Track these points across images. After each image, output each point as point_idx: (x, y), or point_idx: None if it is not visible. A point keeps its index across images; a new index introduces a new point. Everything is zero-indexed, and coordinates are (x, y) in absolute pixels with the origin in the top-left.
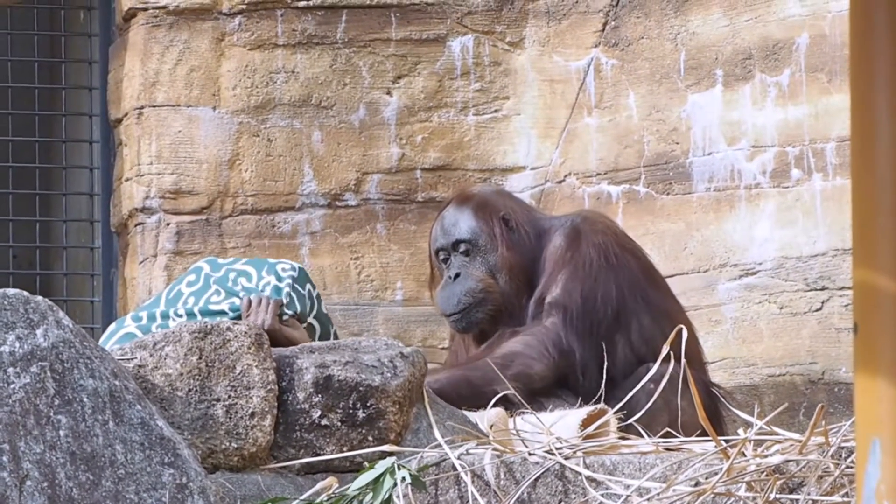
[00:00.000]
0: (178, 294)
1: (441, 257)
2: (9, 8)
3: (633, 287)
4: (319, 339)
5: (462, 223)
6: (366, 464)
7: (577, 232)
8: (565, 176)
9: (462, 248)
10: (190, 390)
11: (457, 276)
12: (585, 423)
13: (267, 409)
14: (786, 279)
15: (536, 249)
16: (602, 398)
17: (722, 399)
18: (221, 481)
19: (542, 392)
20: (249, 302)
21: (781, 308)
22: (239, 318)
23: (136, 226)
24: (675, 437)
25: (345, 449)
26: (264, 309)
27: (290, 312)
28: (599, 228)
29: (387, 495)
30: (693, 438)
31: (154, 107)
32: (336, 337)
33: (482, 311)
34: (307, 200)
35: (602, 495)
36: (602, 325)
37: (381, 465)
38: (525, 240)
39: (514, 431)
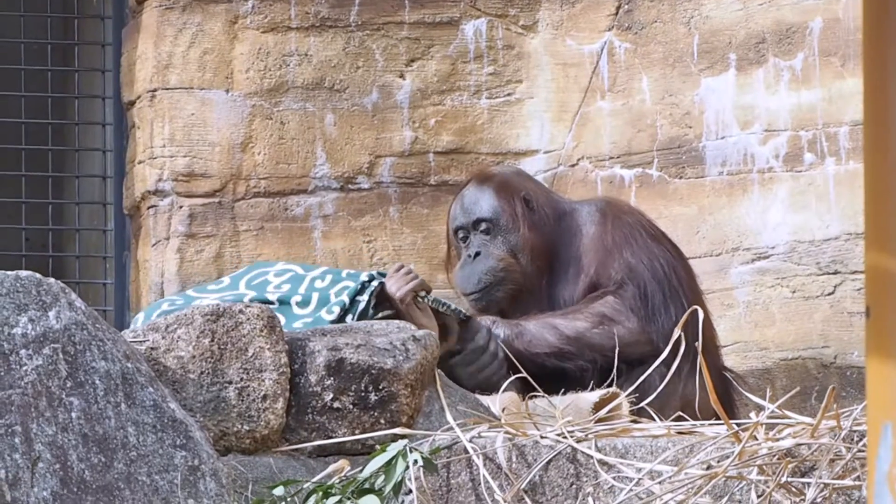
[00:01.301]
0: (264, 283)
1: (460, 236)
2: None
3: (676, 258)
4: None
5: (483, 202)
6: (377, 447)
7: (607, 217)
8: (578, 160)
9: (483, 226)
10: (202, 373)
11: (477, 254)
12: (597, 407)
13: (279, 392)
14: (798, 263)
15: (558, 232)
16: (614, 381)
17: (734, 383)
18: (233, 464)
19: (630, 356)
20: (400, 267)
21: (794, 292)
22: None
23: (148, 208)
24: (687, 420)
25: (357, 432)
26: (407, 280)
27: (431, 297)
28: (627, 211)
29: (399, 479)
30: (705, 422)
31: (167, 89)
32: None
33: (503, 290)
34: (320, 183)
35: (614, 478)
36: (681, 286)
37: (393, 449)
38: (546, 221)
39: (526, 414)
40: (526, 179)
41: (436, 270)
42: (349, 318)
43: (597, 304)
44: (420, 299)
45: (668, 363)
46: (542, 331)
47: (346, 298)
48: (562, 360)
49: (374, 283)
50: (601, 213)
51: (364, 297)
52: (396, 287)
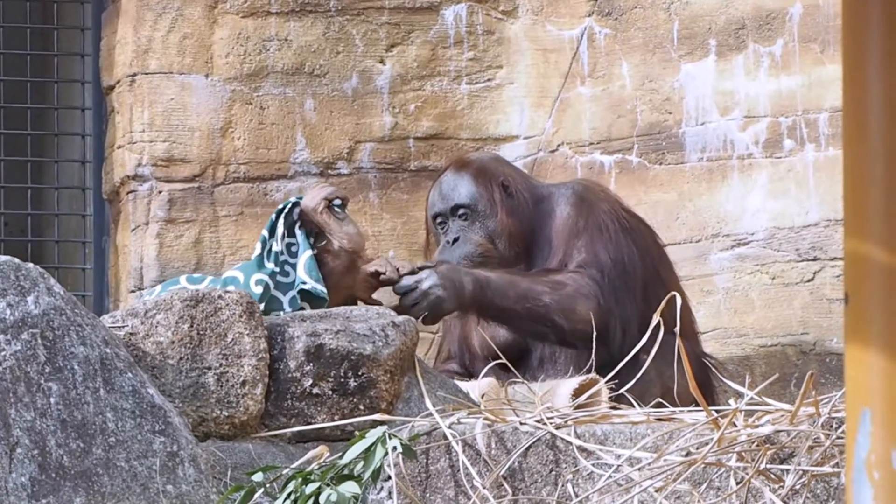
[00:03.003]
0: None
1: (438, 222)
2: None
3: (646, 251)
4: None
5: (461, 188)
6: (357, 433)
7: (582, 200)
8: (558, 145)
9: (461, 213)
10: (181, 358)
11: (455, 240)
12: (577, 393)
13: (258, 378)
14: (778, 249)
15: (535, 216)
16: (593, 367)
17: (713, 369)
18: (212, 449)
19: (579, 334)
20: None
21: (773, 278)
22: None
23: (128, 193)
24: (667, 407)
25: (336, 418)
26: (320, 192)
27: (342, 212)
28: (603, 197)
29: (378, 465)
30: (684, 408)
31: (147, 74)
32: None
33: None
34: (300, 169)
35: (593, 465)
36: (637, 283)
37: (373, 435)
38: (524, 206)
39: (506, 401)
40: (504, 165)
41: (416, 256)
42: (276, 244)
43: (559, 275)
44: (337, 208)
45: (647, 350)
46: (503, 285)
47: (265, 233)
48: (521, 319)
49: (289, 205)
50: (578, 196)
51: (281, 220)
52: (310, 198)
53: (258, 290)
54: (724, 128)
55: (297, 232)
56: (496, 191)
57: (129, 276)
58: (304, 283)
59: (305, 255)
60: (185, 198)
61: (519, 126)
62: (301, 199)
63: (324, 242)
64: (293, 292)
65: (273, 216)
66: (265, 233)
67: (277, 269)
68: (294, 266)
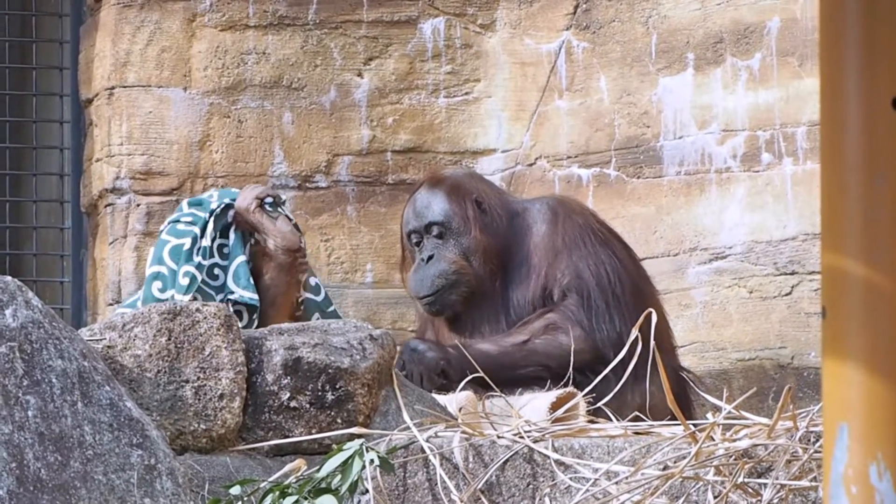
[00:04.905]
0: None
1: (413, 240)
2: None
3: (624, 264)
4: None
5: (435, 206)
6: (334, 446)
7: (557, 216)
8: (536, 159)
9: (435, 230)
10: (159, 371)
11: (430, 258)
12: (554, 407)
13: (236, 391)
14: (756, 263)
15: (510, 233)
16: (570, 381)
17: (691, 383)
18: (190, 462)
19: (575, 364)
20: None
21: (751, 292)
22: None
23: (106, 206)
24: (645, 420)
25: (313, 431)
26: (252, 191)
27: (274, 210)
28: (578, 211)
29: (355, 478)
30: (662, 422)
31: (125, 87)
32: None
33: (455, 293)
34: (277, 182)
35: (570, 478)
36: (627, 292)
37: (350, 448)
38: (498, 222)
39: (483, 414)
40: (478, 181)
41: (393, 269)
42: (205, 241)
43: (539, 322)
44: (269, 206)
45: (624, 364)
46: (486, 344)
47: (196, 230)
48: (511, 369)
49: (222, 206)
50: (552, 211)
51: (211, 220)
52: (242, 199)
53: (185, 281)
54: (702, 141)
55: (232, 234)
56: (470, 208)
57: (107, 289)
58: (231, 292)
59: (237, 262)
60: (164, 211)
61: (497, 140)
62: (234, 200)
63: (259, 243)
64: (222, 295)
65: (206, 216)
66: (196, 230)
67: (206, 264)
68: (225, 269)
